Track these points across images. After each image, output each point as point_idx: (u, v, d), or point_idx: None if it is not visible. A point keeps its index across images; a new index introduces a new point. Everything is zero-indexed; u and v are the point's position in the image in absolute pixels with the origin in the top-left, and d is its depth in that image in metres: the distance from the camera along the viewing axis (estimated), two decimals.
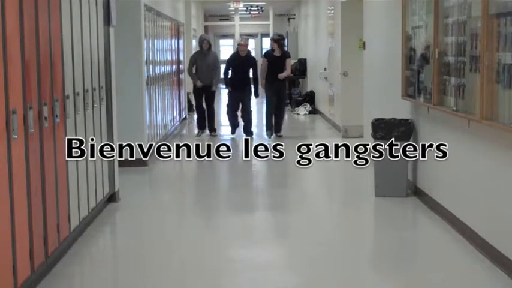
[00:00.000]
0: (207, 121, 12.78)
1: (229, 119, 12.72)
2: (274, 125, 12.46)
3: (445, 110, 6.08)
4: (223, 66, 12.71)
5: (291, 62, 13.12)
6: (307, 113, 16.81)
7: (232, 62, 12.50)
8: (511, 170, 4.85)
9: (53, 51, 5.08)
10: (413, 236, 6.33)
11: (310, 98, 17.35)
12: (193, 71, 12.67)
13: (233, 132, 12.69)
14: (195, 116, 13.23)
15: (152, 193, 8.24)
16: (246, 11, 26.94)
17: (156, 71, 11.14)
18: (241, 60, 12.40)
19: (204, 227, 6.65)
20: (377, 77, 9.52)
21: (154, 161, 9.97)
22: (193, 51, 14.59)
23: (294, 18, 24.94)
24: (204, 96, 12.67)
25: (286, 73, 12.39)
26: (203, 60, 12.58)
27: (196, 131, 12.91)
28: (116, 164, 7.36)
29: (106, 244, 6.27)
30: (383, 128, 7.26)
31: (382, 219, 6.93)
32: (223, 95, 13.74)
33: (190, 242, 6.11)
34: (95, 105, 6.45)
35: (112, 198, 7.21)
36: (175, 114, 13.76)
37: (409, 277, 5.11)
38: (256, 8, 26.54)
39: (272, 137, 12.29)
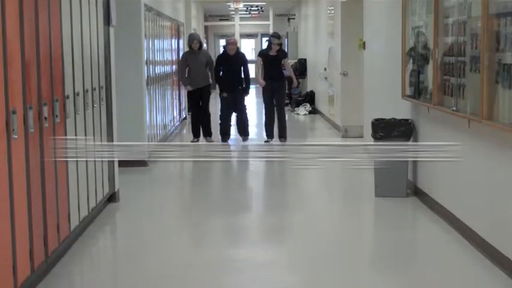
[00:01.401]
0: (201, 125, 11.78)
1: (221, 127, 11.75)
2: (278, 130, 11.54)
3: (445, 110, 6.08)
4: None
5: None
6: (307, 113, 16.82)
7: (221, 62, 11.67)
8: (511, 170, 4.85)
9: (53, 51, 5.08)
10: (413, 236, 6.33)
11: (310, 98, 17.36)
12: (186, 73, 11.76)
13: (224, 140, 11.68)
14: (189, 122, 12.30)
15: (152, 193, 8.23)
16: (246, 11, 26.97)
17: (156, 71, 11.14)
18: (231, 60, 11.55)
19: (204, 226, 6.65)
20: (377, 77, 9.52)
21: (155, 161, 9.97)
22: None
23: (294, 18, 24.95)
24: (199, 99, 11.72)
25: (292, 76, 11.74)
26: (195, 61, 11.64)
27: (191, 139, 11.88)
28: (116, 164, 7.36)
29: (106, 244, 6.27)
30: (383, 128, 7.26)
31: (382, 219, 6.93)
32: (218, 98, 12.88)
33: (191, 242, 6.11)
34: (95, 105, 6.45)
35: (112, 198, 7.22)
36: (175, 114, 13.76)
37: (409, 277, 5.11)
38: (256, 8, 26.56)
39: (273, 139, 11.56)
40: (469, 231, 5.66)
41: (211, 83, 11.71)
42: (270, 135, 11.62)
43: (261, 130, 12.45)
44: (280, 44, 11.58)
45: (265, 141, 11.57)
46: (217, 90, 12.02)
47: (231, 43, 11.68)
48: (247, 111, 11.90)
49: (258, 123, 13.99)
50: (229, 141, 11.73)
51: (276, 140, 11.52)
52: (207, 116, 11.76)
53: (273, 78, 11.43)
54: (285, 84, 11.96)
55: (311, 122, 15.62)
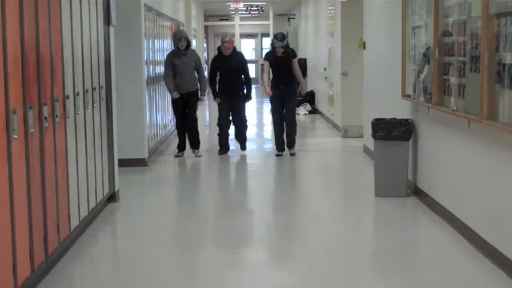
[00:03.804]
0: (187, 136, 10.32)
1: (219, 137, 10.52)
2: (286, 140, 10.23)
3: (445, 110, 6.08)
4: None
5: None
6: (307, 113, 16.83)
7: (217, 65, 10.40)
8: (511, 170, 4.85)
9: (53, 51, 5.08)
10: (413, 236, 6.32)
11: (310, 98, 17.36)
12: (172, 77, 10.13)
13: (221, 153, 10.45)
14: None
15: (152, 193, 8.23)
16: (246, 11, 26.96)
17: (156, 71, 11.13)
18: (227, 61, 10.25)
19: (204, 226, 6.65)
20: (377, 77, 9.52)
21: (155, 161, 9.97)
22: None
23: (294, 18, 24.96)
24: (186, 107, 10.22)
25: (301, 80, 10.20)
26: (182, 63, 10.05)
27: (176, 151, 10.42)
28: (116, 164, 7.36)
29: (106, 244, 6.27)
30: (383, 128, 7.26)
31: (382, 219, 6.93)
32: (211, 106, 11.79)
33: (190, 242, 6.11)
34: (95, 105, 6.45)
35: (112, 198, 7.21)
36: None
37: (409, 277, 5.11)
38: (256, 8, 26.55)
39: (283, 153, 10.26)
40: (469, 231, 5.66)
41: (199, 88, 10.27)
42: (280, 148, 10.24)
43: (262, 134, 12.40)
44: (286, 46, 10.04)
45: (276, 155, 10.21)
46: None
47: (227, 41, 10.29)
48: (247, 120, 10.78)
49: (259, 126, 13.97)
50: (228, 153, 10.54)
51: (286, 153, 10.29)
52: (195, 124, 10.26)
53: (283, 83, 10.03)
54: (297, 89, 10.36)
55: (311, 122, 15.62)
